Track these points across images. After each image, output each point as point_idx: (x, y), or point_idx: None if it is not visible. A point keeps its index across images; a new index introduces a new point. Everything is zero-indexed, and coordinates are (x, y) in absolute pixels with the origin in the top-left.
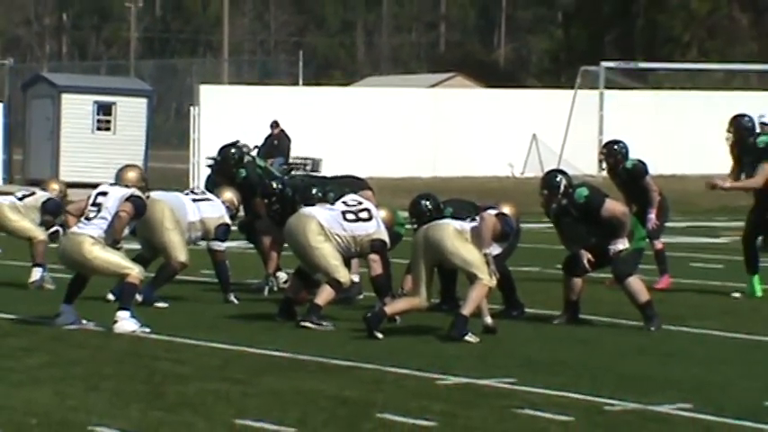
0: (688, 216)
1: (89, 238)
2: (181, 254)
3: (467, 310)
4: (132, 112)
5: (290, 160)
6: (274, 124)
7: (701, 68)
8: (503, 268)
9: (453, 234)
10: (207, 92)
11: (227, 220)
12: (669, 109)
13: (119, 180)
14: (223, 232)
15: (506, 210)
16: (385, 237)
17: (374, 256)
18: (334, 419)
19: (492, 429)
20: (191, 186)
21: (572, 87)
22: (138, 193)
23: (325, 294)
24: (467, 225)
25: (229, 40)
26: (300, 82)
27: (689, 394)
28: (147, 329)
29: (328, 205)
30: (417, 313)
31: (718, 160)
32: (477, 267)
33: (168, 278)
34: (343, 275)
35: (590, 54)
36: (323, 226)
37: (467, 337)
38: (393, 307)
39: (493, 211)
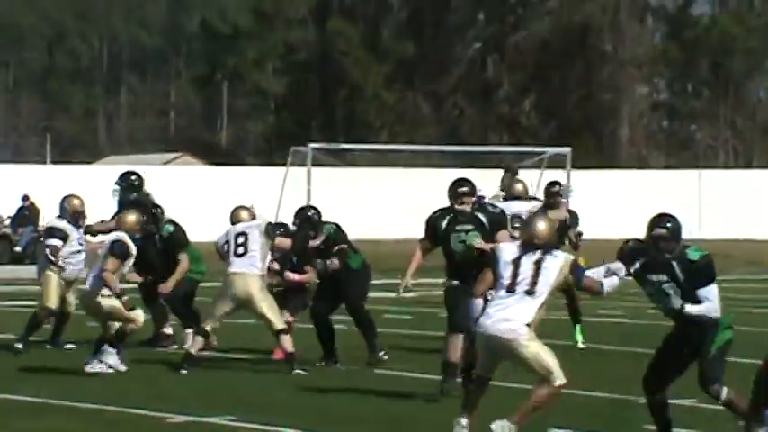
0: (384, 274)
1: None
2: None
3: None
4: None
5: (39, 228)
6: (25, 197)
7: (391, 149)
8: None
9: None
10: None
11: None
12: (365, 183)
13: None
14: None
15: None
16: None
17: None
18: None
19: None
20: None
21: (284, 165)
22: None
23: None
24: None
25: None
26: (48, 161)
27: (383, 427)
28: None
29: None
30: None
31: (405, 226)
32: None
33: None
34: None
35: (299, 136)
36: None
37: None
38: None
39: None
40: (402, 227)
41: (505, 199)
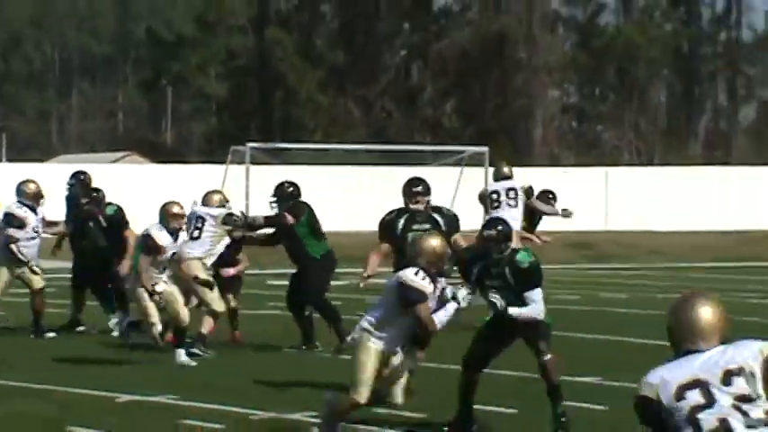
0: None
1: None
2: None
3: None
4: None
5: None
6: None
7: (324, 148)
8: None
9: None
10: None
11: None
12: (300, 180)
13: None
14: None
15: None
16: None
17: None
18: None
19: None
20: None
21: (224, 163)
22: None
23: None
24: None
25: None
26: (4, 159)
27: (312, 404)
28: None
29: None
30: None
31: (338, 220)
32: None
33: None
34: None
35: (239, 136)
36: None
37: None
38: None
39: None
40: (335, 220)
41: (496, 180)
